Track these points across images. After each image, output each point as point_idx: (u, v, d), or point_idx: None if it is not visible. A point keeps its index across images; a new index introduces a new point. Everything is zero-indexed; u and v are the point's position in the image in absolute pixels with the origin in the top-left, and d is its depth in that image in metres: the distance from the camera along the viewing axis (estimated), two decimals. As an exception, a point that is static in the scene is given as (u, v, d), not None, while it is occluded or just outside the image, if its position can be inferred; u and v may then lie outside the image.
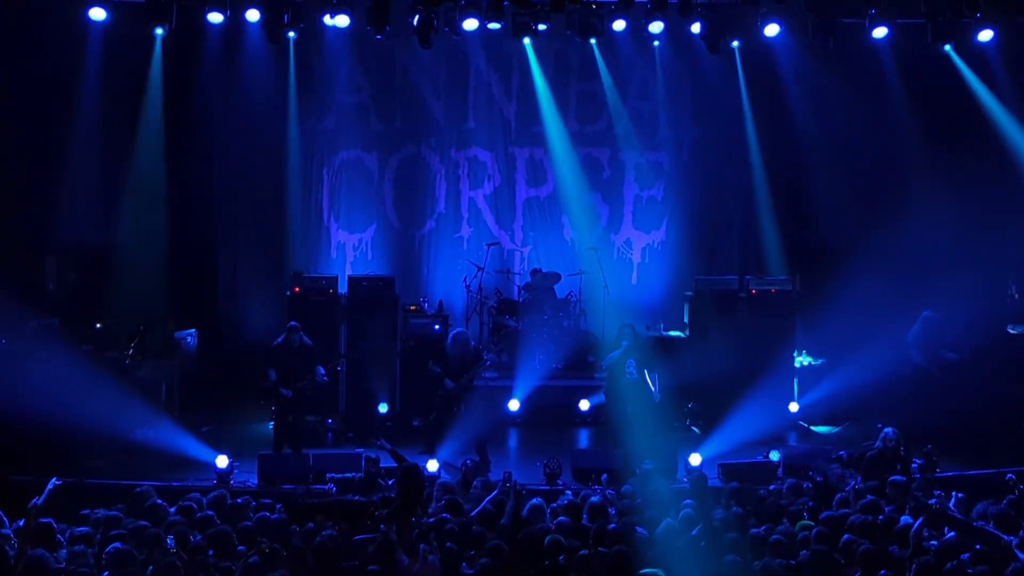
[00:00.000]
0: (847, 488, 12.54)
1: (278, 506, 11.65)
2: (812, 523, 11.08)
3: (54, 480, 11.11)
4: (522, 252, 19.32)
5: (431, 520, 10.83)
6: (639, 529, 11.03)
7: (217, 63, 16.58)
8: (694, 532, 10.65)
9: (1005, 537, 10.31)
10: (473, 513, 11.37)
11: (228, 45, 16.43)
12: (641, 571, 9.58)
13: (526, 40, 17.40)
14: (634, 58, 18.74)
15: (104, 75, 16.41)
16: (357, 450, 14.10)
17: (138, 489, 11.87)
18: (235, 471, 13.75)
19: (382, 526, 10.41)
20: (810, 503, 12.05)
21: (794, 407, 16.88)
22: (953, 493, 11.98)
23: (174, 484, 13.17)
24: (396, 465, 12.24)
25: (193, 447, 14.97)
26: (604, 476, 12.78)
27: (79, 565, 9.37)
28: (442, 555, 9.93)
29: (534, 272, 18.25)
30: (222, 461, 13.67)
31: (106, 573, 9.67)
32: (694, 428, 16.45)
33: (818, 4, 14.46)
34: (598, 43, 17.90)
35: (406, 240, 19.17)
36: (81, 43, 16.10)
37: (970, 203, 17.20)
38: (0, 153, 15.72)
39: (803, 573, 9.84)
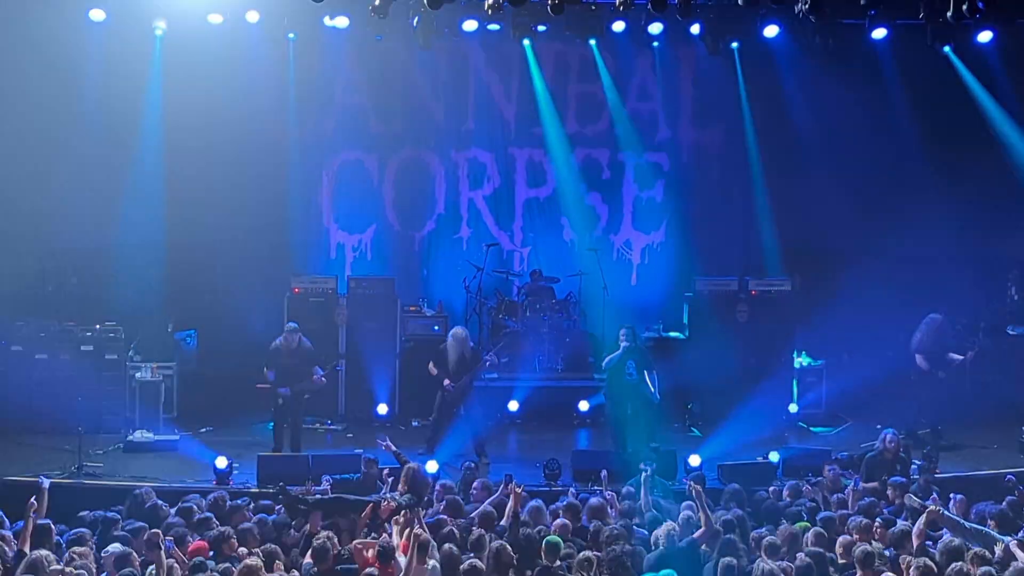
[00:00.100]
0: (845, 490, 12.55)
1: (278, 507, 11.67)
2: (811, 524, 11.10)
3: (43, 478, 11.15)
4: (521, 253, 19.29)
5: (431, 521, 10.84)
6: (639, 530, 11.05)
7: (217, 64, 16.56)
8: (694, 534, 10.66)
9: (1003, 538, 10.33)
10: (473, 514, 11.38)
11: (228, 46, 16.40)
12: (660, 572, 9.63)
13: (525, 41, 17.40)
14: (634, 59, 18.73)
15: (104, 75, 16.39)
16: (357, 451, 14.09)
17: (137, 490, 11.89)
18: (234, 472, 13.73)
19: (388, 526, 10.44)
20: (809, 504, 12.06)
21: (793, 408, 16.90)
22: (951, 495, 12.02)
23: (173, 485, 13.17)
24: (395, 466, 12.30)
25: (192, 448, 14.98)
26: (604, 476, 12.77)
27: (78, 567, 9.36)
28: (442, 556, 9.94)
29: (534, 274, 18.24)
30: (221, 462, 13.66)
31: (105, 574, 9.69)
32: (694, 429, 16.46)
33: (818, 4, 14.44)
34: (598, 44, 17.90)
35: (406, 241, 19.15)
36: (81, 43, 16.09)
37: (969, 204, 17.21)
38: (0, 154, 15.70)
39: (802, 574, 9.84)
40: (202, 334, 17.23)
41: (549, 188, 19.30)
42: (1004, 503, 11.71)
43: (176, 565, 9.59)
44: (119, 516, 10.99)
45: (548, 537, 10.23)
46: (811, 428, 16.78)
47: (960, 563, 9.38)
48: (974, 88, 17.32)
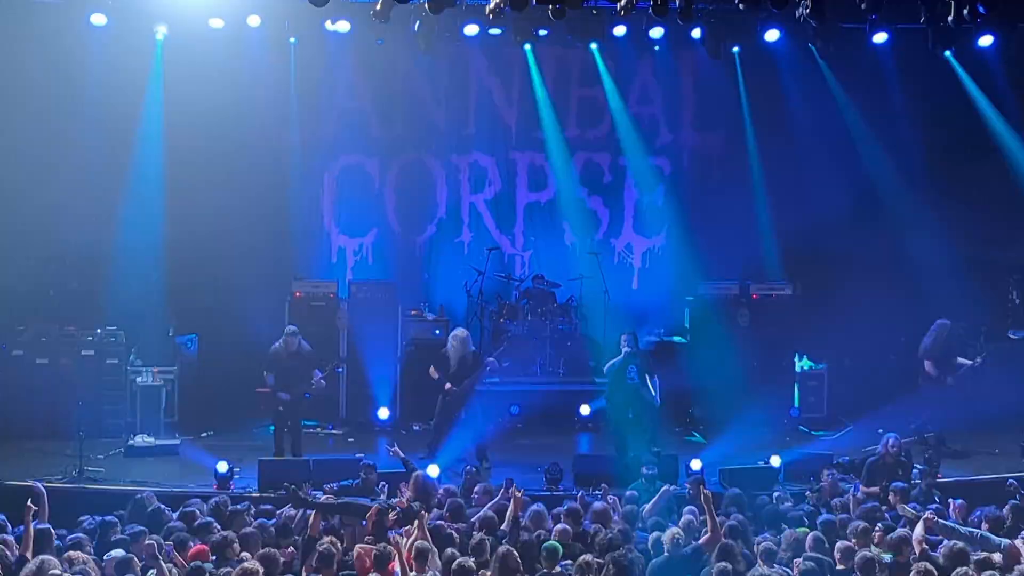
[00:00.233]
0: (844, 495, 12.54)
1: (279, 512, 11.65)
2: (811, 529, 11.09)
3: (37, 483, 11.14)
4: (523, 257, 19.30)
5: (432, 525, 10.82)
6: (640, 534, 11.03)
7: (218, 68, 16.56)
8: (696, 538, 10.64)
9: (1001, 540, 10.34)
10: (474, 519, 11.36)
11: (229, 50, 16.41)
12: None
13: (527, 46, 17.41)
14: (635, 63, 18.73)
15: (105, 80, 16.39)
16: (357, 455, 14.09)
17: (139, 495, 11.89)
18: (235, 476, 13.73)
19: (391, 532, 10.41)
20: (810, 509, 12.05)
21: (795, 412, 16.89)
22: (951, 500, 12.01)
23: (174, 489, 13.17)
24: (398, 471, 12.30)
25: (193, 452, 14.98)
26: (604, 483, 12.76)
27: (78, 572, 9.35)
28: (443, 561, 9.93)
29: (536, 278, 18.25)
30: (222, 466, 13.65)
31: (105, 578, 9.69)
32: (695, 433, 16.46)
33: (819, 9, 14.45)
34: (599, 48, 17.91)
35: (407, 245, 19.14)
36: (82, 48, 16.09)
37: (970, 208, 17.20)
38: (1, 156, 15.71)
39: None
40: (203, 338, 17.21)
41: (550, 192, 19.30)
42: (1006, 507, 11.70)
43: (176, 571, 9.58)
44: (117, 520, 10.96)
45: (547, 543, 10.21)
46: (812, 432, 16.78)
47: (964, 568, 9.38)
48: (974, 93, 17.32)
